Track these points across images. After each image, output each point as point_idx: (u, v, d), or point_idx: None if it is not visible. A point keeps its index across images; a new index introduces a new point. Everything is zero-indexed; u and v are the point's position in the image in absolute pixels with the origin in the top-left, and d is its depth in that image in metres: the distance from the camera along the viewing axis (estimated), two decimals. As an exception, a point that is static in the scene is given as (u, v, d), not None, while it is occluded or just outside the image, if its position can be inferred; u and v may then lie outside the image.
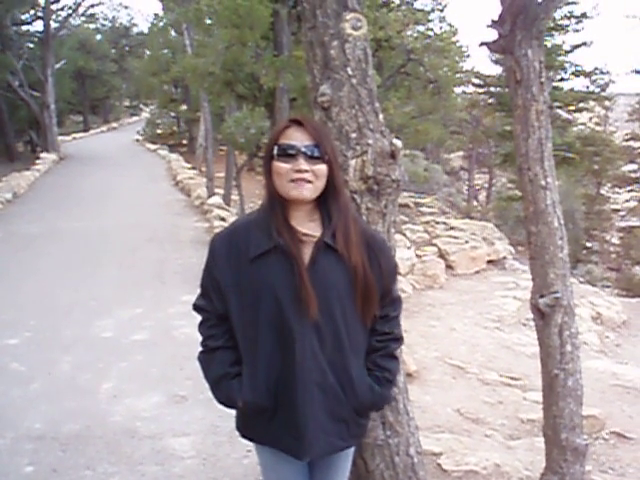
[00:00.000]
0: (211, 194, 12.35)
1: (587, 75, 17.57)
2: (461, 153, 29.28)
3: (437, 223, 12.62)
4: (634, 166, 24.32)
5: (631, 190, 24.04)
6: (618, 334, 7.86)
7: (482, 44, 2.44)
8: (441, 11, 14.87)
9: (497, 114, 19.59)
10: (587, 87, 17.91)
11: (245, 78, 9.89)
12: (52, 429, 3.62)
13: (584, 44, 16.93)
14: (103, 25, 37.28)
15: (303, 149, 1.63)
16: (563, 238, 2.38)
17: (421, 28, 13.81)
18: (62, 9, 23.45)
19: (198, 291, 1.81)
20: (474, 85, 19.42)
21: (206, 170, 13.45)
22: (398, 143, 2.23)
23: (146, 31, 30.20)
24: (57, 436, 3.54)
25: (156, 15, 24.70)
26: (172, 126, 28.00)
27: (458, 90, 17.31)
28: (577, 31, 16.15)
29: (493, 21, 2.34)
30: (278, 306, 1.65)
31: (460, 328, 6.53)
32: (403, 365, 2.47)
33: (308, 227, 1.69)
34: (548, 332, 2.43)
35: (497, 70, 19.40)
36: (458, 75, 15.05)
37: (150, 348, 5.02)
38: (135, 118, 41.92)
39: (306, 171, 1.63)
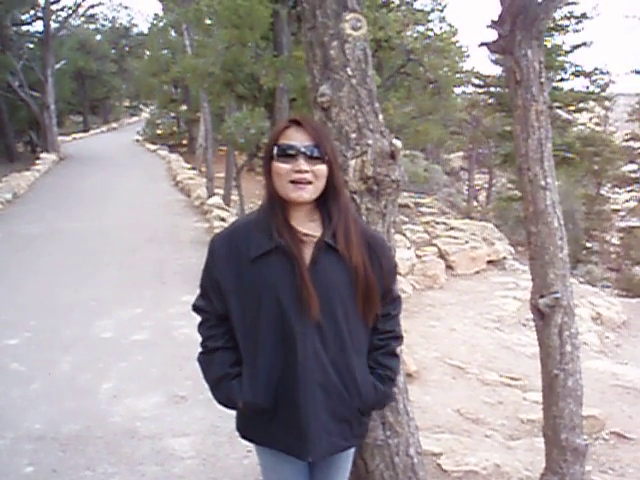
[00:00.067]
0: (211, 194, 12.35)
1: (587, 75, 17.57)
2: (461, 153, 29.29)
3: (437, 223, 12.63)
4: (634, 166, 24.31)
5: (631, 190, 24.03)
6: (618, 334, 7.86)
7: (482, 44, 2.44)
8: (441, 11, 14.88)
9: (497, 114, 19.60)
10: (587, 87, 17.91)
11: (245, 78, 9.90)
12: (52, 429, 3.62)
13: (584, 44, 16.94)
14: (103, 25, 37.32)
15: (303, 149, 1.63)
16: (563, 238, 2.38)
17: (421, 28, 13.83)
18: (62, 9, 23.50)
19: (198, 291, 1.81)
20: (474, 85, 19.42)
21: (206, 170, 13.45)
22: (398, 143, 2.23)
23: (146, 31, 30.25)
24: (57, 436, 3.54)
25: (156, 15, 24.73)
26: (172, 126, 28.01)
27: (458, 90, 17.35)
28: (577, 31, 16.16)
29: (493, 21, 2.34)
30: (279, 306, 1.65)
31: (460, 328, 6.53)
32: (403, 365, 2.47)
33: (308, 227, 1.69)
34: (548, 332, 2.43)
35: (497, 70, 19.39)
36: (458, 75, 15.07)
37: (150, 348, 5.02)
38: (135, 118, 41.93)
39: (306, 171, 1.63)
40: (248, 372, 1.71)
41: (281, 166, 1.65)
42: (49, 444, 3.45)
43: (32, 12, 22.21)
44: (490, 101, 19.93)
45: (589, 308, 8.11)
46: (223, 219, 10.13)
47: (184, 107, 24.26)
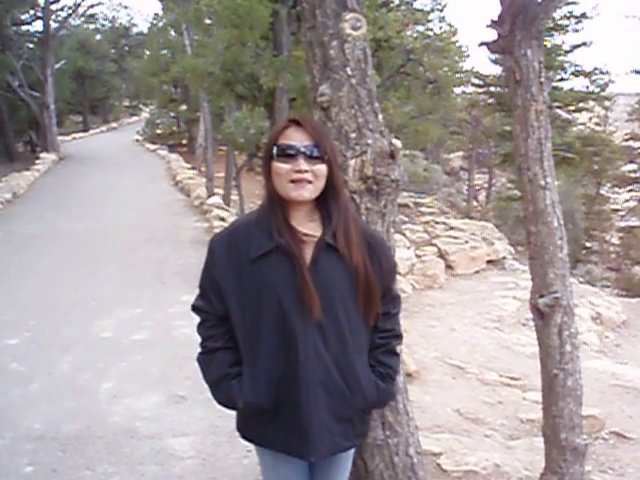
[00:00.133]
0: (211, 194, 12.34)
1: (587, 75, 17.57)
2: (461, 153, 29.28)
3: (437, 223, 12.63)
4: (634, 166, 24.30)
5: (631, 190, 24.03)
6: (618, 334, 7.86)
7: (482, 44, 2.44)
8: (441, 11, 14.90)
9: (497, 114, 19.60)
10: (587, 87, 17.91)
11: (245, 78, 9.89)
12: (52, 429, 3.62)
13: (584, 44, 16.94)
14: (103, 25, 37.29)
15: (302, 149, 1.63)
16: (563, 238, 2.38)
17: (421, 28, 13.84)
18: (62, 9, 23.51)
19: (197, 291, 1.81)
20: (474, 85, 19.41)
21: (206, 170, 13.45)
22: (397, 143, 2.23)
23: (146, 31, 30.23)
24: (57, 436, 3.54)
25: (156, 15, 24.72)
26: (172, 126, 28.00)
27: (458, 90, 17.32)
28: (577, 31, 16.17)
29: (493, 21, 2.33)
30: (280, 307, 1.65)
31: (460, 328, 6.53)
32: (403, 365, 2.47)
33: (308, 227, 1.69)
34: (547, 332, 2.43)
35: (497, 70, 19.39)
36: (458, 75, 15.05)
37: (150, 348, 5.02)
38: (135, 118, 41.90)
39: (306, 171, 1.63)
40: (249, 372, 1.71)
41: (281, 166, 1.65)
42: (49, 444, 3.45)
43: (32, 12, 22.20)
44: (490, 101, 19.94)
45: (589, 308, 8.11)
46: (223, 219, 10.13)
47: (184, 107, 24.25)
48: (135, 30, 38.17)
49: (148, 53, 26.35)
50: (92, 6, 26.90)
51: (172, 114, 26.78)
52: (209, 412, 3.73)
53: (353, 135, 2.18)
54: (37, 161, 18.42)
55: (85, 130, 32.53)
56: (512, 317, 7.27)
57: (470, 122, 23.21)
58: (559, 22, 15.86)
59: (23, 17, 22.30)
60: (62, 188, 14.51)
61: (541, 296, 2.41)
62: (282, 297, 1.64)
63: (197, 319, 1.81)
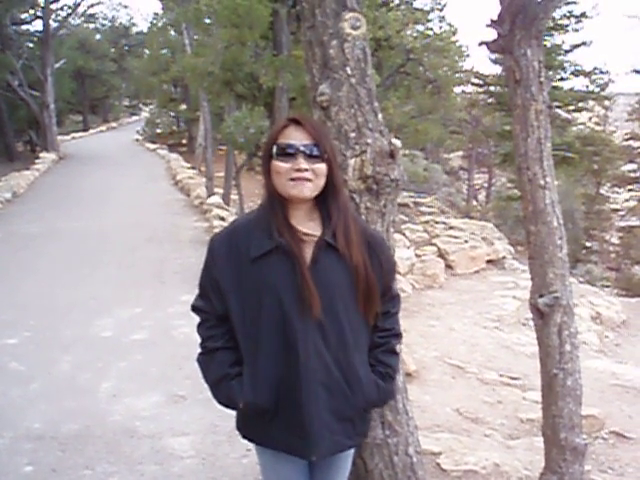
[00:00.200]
0: (210, 194, 12.34)
1: (586, 75, 17.58)
2: (461, 153, 29.28)
3: (437, 223, 12.62)
4: (634, 166, 24.32)
5: (631, 190, 24.04)
6: (617, 334, 7.86)
7: (481, 44, 2.44)
8: (440, 10, 14.91)
9: (497, 114, 19.61)
10: (586, 87, 17.91)
11: (244, 78, 9.89)
12: (51, 429, 3.62)
13: (583, 44, 16.95)
14: (102, 25, 37.29)
15: (302, 148, 1.63)
16: (562, 238, 2.38)
17: (420, 28, 13.83)
18: (61, 9, 23.55)
19: (197, 291, 1.81)
20: (473, 85, 19.44)
21: (205, 170, 13.45)
22: (397, 143, 2.23)
23: (145, 31, 30.22)
24: (56, 436, 3.54)
25: (155, 15, 24.76)
26: (171, 126, 28.03)
27: (458, 90, 17.33)
28: (576, 31, 16.18)
29: (492, 21, 2.33)
30: (281, 306, 1.65)
31: (459, 328, 6.53)
32: (402, 365, 2.47)
33: (308, 226, 1.69)
34: (547, 332, 2.43)
35: (496, 70, 19.42)
36: (457, 75, 15.07)
37: (149, 348, 5.02)
38: (135, 118, 41.92)
39: (306, 170, 1.63)
40: (249, 372, 1.71)
41: (280, 165, 1.64)
42: (48, 443, 3.45)
43: (32, 11, 22.21)
44: (490, 100, 19.94)
45: (588, 307, 8.11)
46: (223, 218, 10.13)
47: (184, 106, 24.27)
48: (135, 29, 38.23)
49: (148, 52, 26.35)
50: (92, 5, 27.05)
51: (172, 114, 26.81)
52: (209, 412, 3.73)
53: (353, 134, 2.18)
54: (37, 161, 18.43)
55: (85, 130, 32.54)
56: (512, 317, 7.27)
57: (470, 122, 23.21)
58: (559, 22, 15.87)
59: (23, 16, 22.30)
60: (62, 188, 14.51)
61: (541, 296, 2.41)
62: (282, 296, 1.64)
63: (197, 319, 1.81)
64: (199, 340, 1.81)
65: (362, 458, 2.38)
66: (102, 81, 33.02)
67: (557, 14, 15.28)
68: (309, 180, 1.64)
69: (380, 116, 2.25)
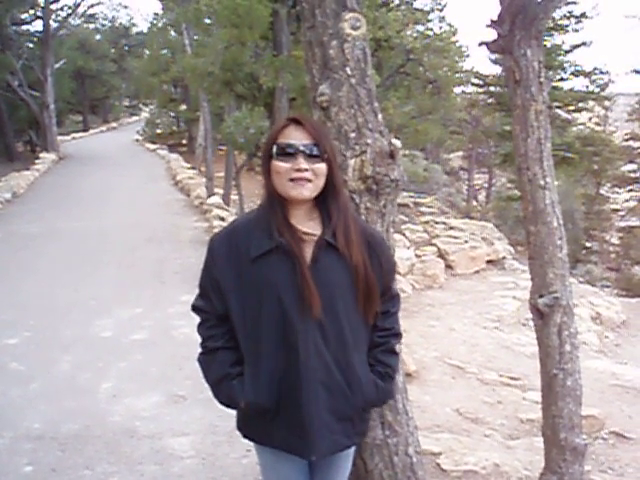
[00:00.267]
0: (210, 194, 12.34)
1: (586, 75, 17.58)
2: (461, 153, 29.29)
3: (437, 223, 12.62)
4: (634, 166, 24.31)
5: (631, 190, 24.04)
6: (617, 334, 7.86)
7: (481, 44, 2.44)
8: (440, 11, 14.91)
9: (497, 114, 19.61)
10: (586, 87, 17.92)
11: (244, 78, 9.89)
12: (51, 429, 3.62)
13: (583, 44, 16.96)
14: (103, 25, 37.29)
15: (302, 148, 1.63)
16: (562, 238, 2.38)
17: (420, 28, 13.84)
18: (61, 9, 23.55)
19: (197, 291, 1.81)
20: (474, 85, 19.43)
21: (205, 170, 13.45)
22: (397, 143, 2.23)
23: (145, 31, 30.23)
24: (56, 436, 3.54)
25: (155, 15, 24.75)
26: (171, 126, 28.02)
27: (458, 90, 17.33)
28: (576, 31, 16.20)
29: (492, 21, 2.33)
30: (281, 306, 1.65)
31: (459, 328, 6.53)
32: (402, 365, 2.47)
33: (308, 226, 1.69)
34: (547, 332, 2.43)
35: (496, 70, 19.42)
36: (458, 75, 15.05)
37: (149, 348, 5.02)
38: (135, 118, 41.91)
39: (306, 170, 1.63)
40: (250, 372, 1.71)
41: (280, 165, 1.64)
42: (48, 443, 3.45)
43: (32, 11, 22.21)
44: (490, 101, 19.95)
45: (588, 308, 8.11)
46: (223, 218, 10.13)
47: (184, 107, 24.27)
48: (135, 30, 38.22)
49: (148, 53, 26.33)
50: (92, 6, 27.01)
51: (172, 114, 26.81)
52: (209, 412, 3.73)
53: (353, 135, 2.18)
54: (37, 161, 18.43)
55: (85, 130, 32.54)
56: (512, 317, 7.27)
57: (470, 122, 23.22)
58: (559, 22, 15.88)
59: (23, 17, 22.30)
60: (62, 188, 14.51)
61: (541, 296, 2.41)
62: (282, 296, 1.64)
63: (197, 319, 1.81)
64: (199, 340, 1.81)
65: (362, 458, 2.38)
66: (102, 81, 33.02)
67: (557, 14, 15.29)
68: (309, 180, 1.64)
69: (380, 116, 2.25)
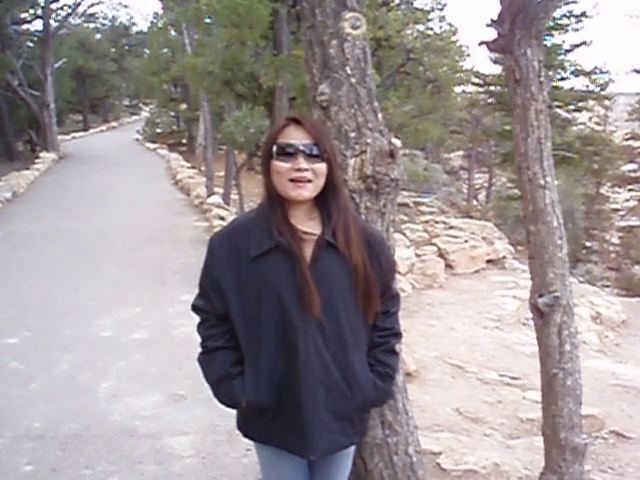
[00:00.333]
0: (211, 193, 12.35)
1: (587, 74, 17.57)
2: (461, 152, 29.29)
3: (437, 222, 12.62)
4: (634, 166, 24.33)
5: (631, 190, 24.04)
6: (617, 334, 7.86)
7: (481, 43, 2.44)
8: (441, 10, 14.89)
9: (497, 113, 19.62)
10: (587, 86, 17.91)
11: (244, 77, 9.89)
12: (51, 428, 3.62)
13: (584, 43, 16.94)
14: (103, 24, 37.30)
15: (302, 147, 1.63)
16: (562, 237, 2.38)
17: (421, 27, 13.83)
18: (62, 8, 23.45)
19: (197, 291, 1.80)
20: (474, 84, 19.42)
21: (205, 169, 13.45)
22: (397, 142, 2.23)
23: (146, 30, 30.24)
24: (56, 435, 3.54)
25: (156, 14, 24.72)
26: (172, 125, 28.01)
27: (458, 89, 17.32)
28: (577, 30, 16.17)
29: (492, 20, 2.33)
30: (281, 305, 1.65)
31: (459, 327, 6.53)
32: (402, 364, 2.47)
33: (308, 225, 1.69)
34: (547, 331, 2.43)
35: (497, 69, 19.43)
36: (458, 74, 15.05)
37: (149, 347, 5.02)
38: (135, 117, 41.91)
39: (306, 170, 1.62)
40: (250, 371, 1.71)
41: (280, 165, 1.64)
42: (48, 443, 3.45)
43: (32, 11, 22.19)
44: (490, 100, 19.95)
45: (588, 307, 8.11)
46: (223, 218, 10.13)
47: (184, 106, 24.25)
48: (135, 29, 38.23)
49: (148, 52, 26.37)
50: (92, 5, 27.02)
51: (172, 113, 26.81)
52: (209, 411, 3.74)
53: (353, 134, 2.18)
54: (37, 160, 18.43)
55: (85, 129, 32.55)
56: (512, 316, 7.27)
57: (470, 121, 23.21)
58: (559, 21, 15.88)
59: (23, 16, 22.28)
60: (62, 187, 14.51)
61: (541, 295, 2.41)
62: (282, 295, 1.64)
63: (197, 319, 1.81)
64: (199, 340, 1.81)
65: (362, 458, 2.38)
66: (102, 81, 33.03)
67: (557, 14, 15.28)
68: (309, 180, 1.64)
69: (380, 116, 2.25)
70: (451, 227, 11.76)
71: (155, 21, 24.27)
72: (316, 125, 1.71)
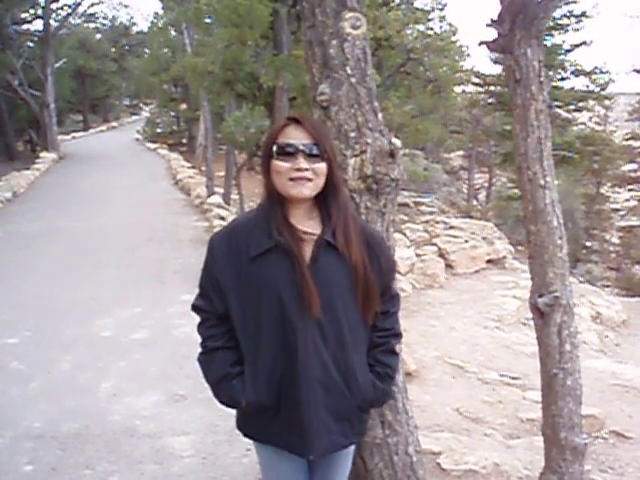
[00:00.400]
0: (211, 193, 12.35)
1: (587, 74, 17.58)
2: (461, 152, 29.28)
3: (437, 222, 12.62)
4: (634, 165, 24.34)
5: (631, 190, 24.05)
6: (617, 333, 7.85)
7: (482, 43, 2.44)
8: (441, 10, 14.88)
9: (497, 113, 19.63)
10: (587, 86, 17.93)
11: (245, 77, 9.90)
12: (51, 428, 3.62)
13: (584, 43, 16.95)
14: (103, 24, 37.30)
15: (302, 147, 1.63)
16: (562, 237, 2.38)
17: (421, 27, 13.81)
18: (62, 8, 23.44)
19: (197, 291, 1.80)
20: (474, 84, 19.42)
21: (206, 169, 13.46)
22: (397, 142, 2.23)
23: (146, 30, 30.26)
24: (56, 435, 3.54)
25: (156, 14, 24.74)
26: (172, 125, 28.02)
27: (458, 89, 17.32)
28: (577, 30, 16.19)
29: (492, 20, 2.33)
30: (280, 305, 1.65)
31: (460, 327, 6.53)
32: (402, 364, 2.47)
33: (307, 225, 1.69)
34: (547, 331, 2.43)
35: (497, 69, 19.44)
36: (458, 74, 15.04)
37: (149, 347, 5.02)
38: (135, 117, 41.93)
39: (306, 169, 1.62)
40: (250, 371, 1.71)
41: (280, 164, 1.64)
42: (48, 443, 3.46)
43: (32, 11, 22.20)
44: (490, 100, 19.95)
45: (589, 307, 8.10)
46: (223, 218, 10.13)
47: (184, 106, 24.27)
48: (135, 29, 38.25)
49: (148, 52, 26.38)
50: (92, 5, 27.02)
51: (172, 113, 26.82)
52: (209, 411, 3.74)
53: (353, 134, 2.18)
54: (37, 160, 18.44)
55: (85, 129, 32.57)
56: (512, 316, 7.27)
57: (470, 121, 23.20)
58: (559, 21, 15.88)
59: (23, 16, 22.29)
60: (62, 187, 14.52)
61: (541, 295, 2.41)
62: (282, 295, 1.64)
63: (197, 318, 1.81)
64: (199, 340, 1.81)
65: (362, 457, 2.38)
66: (102, 81, 33.05)
67: (557, 14, 15.29)
68: (309, 179, 1.64)
69: (380, 116, 2.25)
70: (451, 227, 11.75)
71: (155, 21, 24.30)
72: (316, 125, 1.71)
